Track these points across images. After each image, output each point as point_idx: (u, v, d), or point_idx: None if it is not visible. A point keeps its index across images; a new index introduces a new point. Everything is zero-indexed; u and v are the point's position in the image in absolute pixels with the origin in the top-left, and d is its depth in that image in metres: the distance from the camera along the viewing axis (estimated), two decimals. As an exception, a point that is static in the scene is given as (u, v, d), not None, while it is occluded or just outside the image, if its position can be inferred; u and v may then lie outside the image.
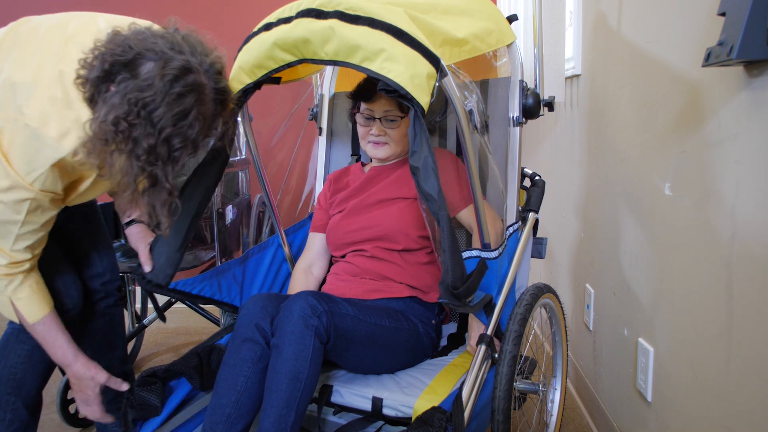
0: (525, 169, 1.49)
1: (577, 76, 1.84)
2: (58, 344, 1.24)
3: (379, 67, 0.99)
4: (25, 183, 1.07)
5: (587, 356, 1.80)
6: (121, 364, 1.58)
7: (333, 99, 1.77)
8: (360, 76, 1.50)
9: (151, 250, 1.25)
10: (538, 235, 1.45)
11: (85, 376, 1.25)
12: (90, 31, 1.10)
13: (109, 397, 1.54)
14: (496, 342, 1.21)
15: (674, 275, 1.17)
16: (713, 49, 0.86)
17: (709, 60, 0.88)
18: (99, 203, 1.55)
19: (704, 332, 1.04)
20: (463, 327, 1.54)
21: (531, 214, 1.40)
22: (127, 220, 1.39)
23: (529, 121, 1.44)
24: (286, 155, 2.69)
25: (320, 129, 1.77)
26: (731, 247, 0.94)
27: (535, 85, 1.45)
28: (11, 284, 1.18)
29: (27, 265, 1.18)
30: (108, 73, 0.98)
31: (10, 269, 1.16)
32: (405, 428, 1.10)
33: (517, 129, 1.43)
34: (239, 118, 1.27)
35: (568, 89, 1.97)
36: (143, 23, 1.09)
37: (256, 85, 1.16)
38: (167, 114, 0.97)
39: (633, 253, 1.39)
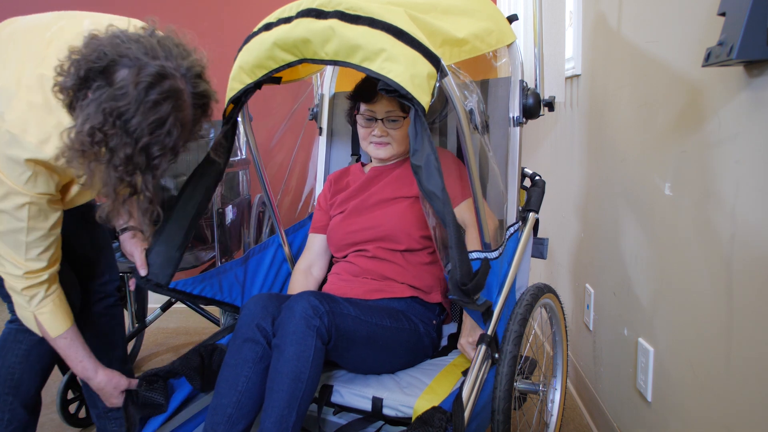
0: (525, 169, 1.49)
1: (577, 76, 1.84)
2: (78, 358, 1.25)
3: (380, 67, 0.99)
4: (18, 187, 1.07)
5: (587, 356, 1.80)
6: (121, 364, 1.58)
7: (333, 99, 1.77)
8: (360, 76, 1.50)
9: (150, 250, 1.25)
10: (539, 235, 1.45)
11: (107, 387, 1.26)
12: (74, 31, 1.08)
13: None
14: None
15: (674, 275, 1.17)
16: (713, 49, 0.86)
17: (709, 60, 0.88)
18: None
19: (704, 332, 1.04)
20: (463, 327, 1.54)
21: (531, 214, 1.40)
22: (123, 226, 1.38)
23: (529, 121, 1.44)
24: (286, 155, 2.69)
25: (320, 129, 1.77)
26: (731, 247, 0.94)
27: (536, 85, 1.45)
28: (34, 299, 1.18)
29: (45, 275, 1.18)
30: (84, 80, 0.95)
31: (28, 281, 1.16)
32: (405, 428, 1.10)
33: (518, 129, 1.43)
34: (239, 118, 1.27)
35: (568, 89, 1.97)
36: (122, 24, 1.07)
37: (257, 85, 1.16)
38: (143, 123, 0.94)
39: (633, 253, 1.39)
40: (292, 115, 2.64)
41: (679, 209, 1.13)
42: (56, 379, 1.74)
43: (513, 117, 1.43)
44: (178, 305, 2.47)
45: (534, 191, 1.45)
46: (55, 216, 1.16)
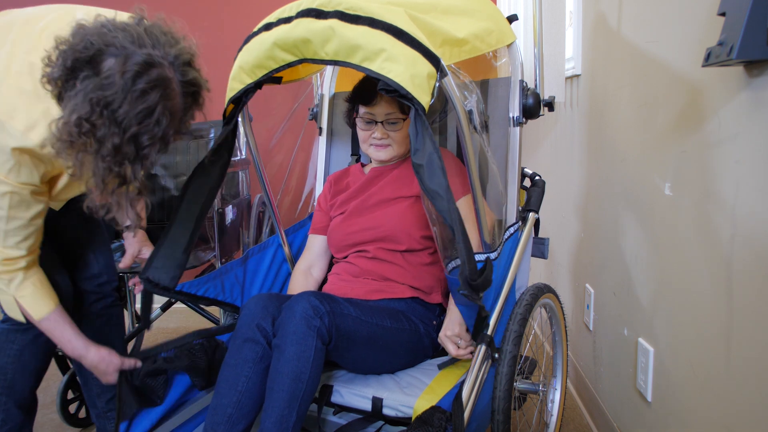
0: (525, 169, 1.49)
1: (577, 76, 1.84)
2: (66, 338, 1.24)
3: (380, 67, 0.99)
4: (1, 176, 1.06)
5: (587, 356, 1.80)
6: (121, 364, 1.58)
7: (333, 99, 1.77)
8: (360, 76, 1.50)
9: (155, 253, 1.24)
10: (540, 235, 1.45)
11: (100, 364, 1.25)
12: (66, 20, 1.06)
13: (110, 395, 1.54)
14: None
15: (674, 275, 1.17)
16: (713, 49, 0.86)
17: (709, 60, 0.88)
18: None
19: (704, 332, 1.04)
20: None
21: (531, 214, 1.40)
22: (127, 223, 1.38)
23: (529, 121, 1.44)
24: (286, 155, 2.69)
25: (320, 129, 1.77)
26: (731, 247, 0.94)
27: (535, 85, 1.45)
28: (12, 282, 1.18)
29: (23, 263, 1.18)
30: (71, 70, 0.94)
31: (5, 266, 1.15)
32: (405, 428, 1.10)
33: (517, 129, 1.43)
34: (239, 118, 1.27)
35: (568, 89, 1.97)
36: (109, 14, 1.06)
37: (257, 85, 1.16)
38: (131, 112, 0.93)
39: (633, 253, 1.39)
40: (292, 115, 2.64)
41: (679, 209, 1.14)
42: (56, 379, 1.74)
43: (513, 117, 1.44)
44: (178, 305, 2.47)
45: (534, 191, 1.45)
46: (38, 207, 1.15)
